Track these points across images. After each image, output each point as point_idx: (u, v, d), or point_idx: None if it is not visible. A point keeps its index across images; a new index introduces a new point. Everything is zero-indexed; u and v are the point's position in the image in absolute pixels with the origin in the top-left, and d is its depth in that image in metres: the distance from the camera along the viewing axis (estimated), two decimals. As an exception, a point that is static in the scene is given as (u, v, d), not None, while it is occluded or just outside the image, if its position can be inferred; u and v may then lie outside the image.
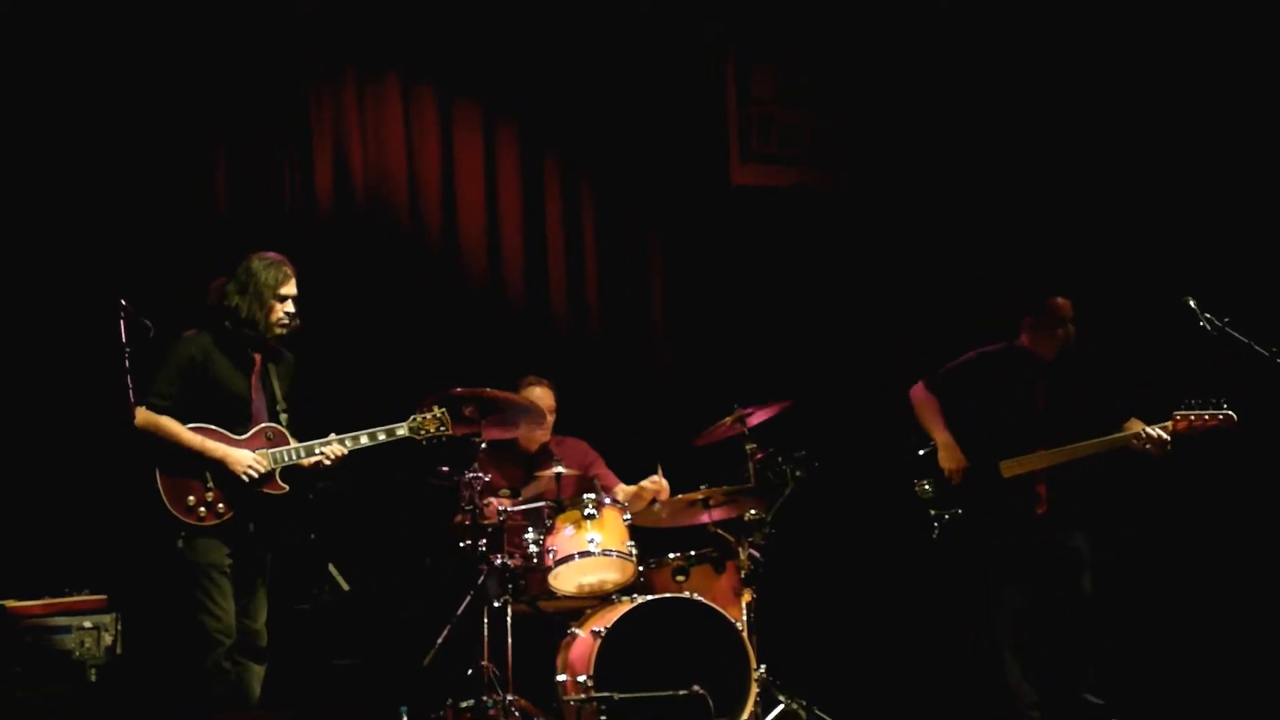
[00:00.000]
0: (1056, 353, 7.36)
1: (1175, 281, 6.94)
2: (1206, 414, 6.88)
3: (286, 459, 6.33)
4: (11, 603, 6.49)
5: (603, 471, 7.93)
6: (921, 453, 7.39)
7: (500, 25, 8.95)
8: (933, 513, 7.32)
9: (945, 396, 7.48)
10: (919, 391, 7.56)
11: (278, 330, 6.42)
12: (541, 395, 7.91)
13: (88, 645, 6.50)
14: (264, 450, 6.30)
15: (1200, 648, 8.33)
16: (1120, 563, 7.75)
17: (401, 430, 6.55)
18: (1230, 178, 8.82)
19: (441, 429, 6.62)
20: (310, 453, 6.37)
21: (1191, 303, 6.72)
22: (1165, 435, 6.94)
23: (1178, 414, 6.92)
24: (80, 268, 7.59)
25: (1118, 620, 7.44)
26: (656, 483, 7.67)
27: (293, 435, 6.41)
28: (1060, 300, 7.37)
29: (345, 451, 6.41)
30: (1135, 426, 7.03)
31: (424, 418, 6.59)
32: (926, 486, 7.35)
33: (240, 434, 6.30)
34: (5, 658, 6.36)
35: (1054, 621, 7.22)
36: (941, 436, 7.38)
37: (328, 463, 6.38)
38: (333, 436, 6.42)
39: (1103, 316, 7.77)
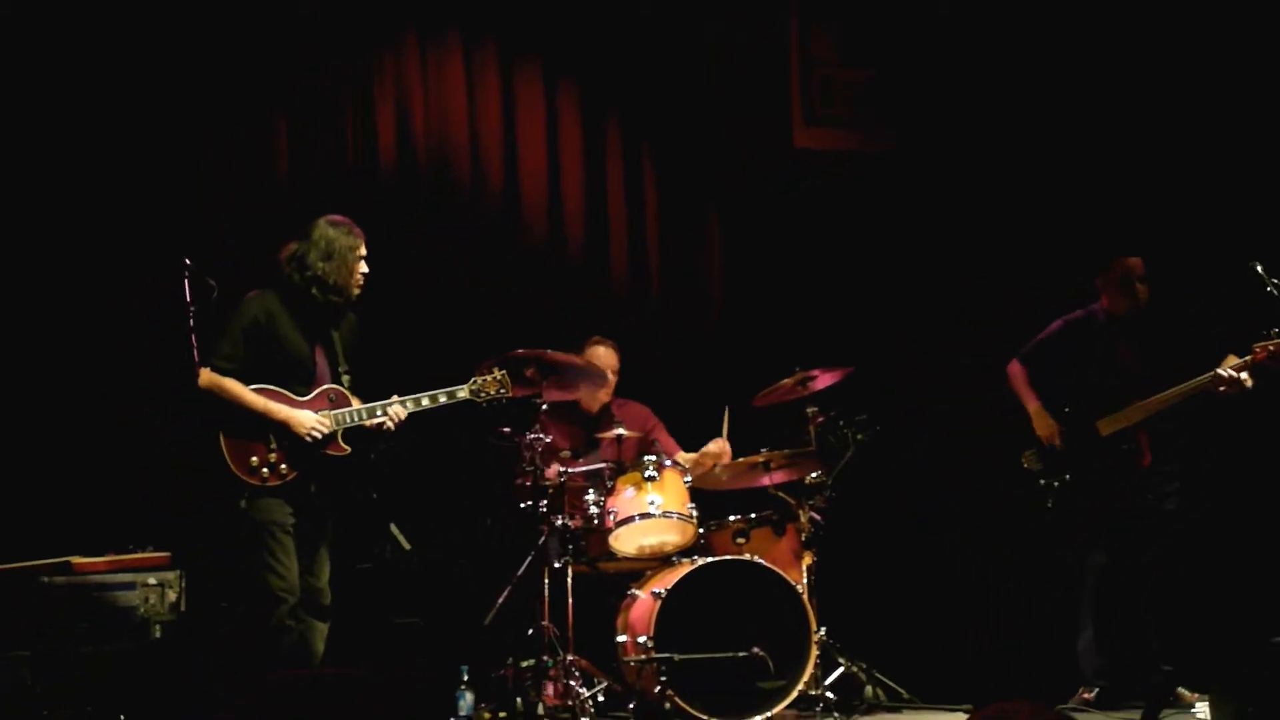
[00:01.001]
0: (1134, 311, 7.37)
1: (1247, 241, 6.88)
2: None
3: (349, 420, 6.34)
4: (77, 559, 6.56)
5: (664, 438, 7.92)
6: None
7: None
8: (1042, 483, 7.34)
9: (1037, 367, 7.55)
10: (1012, 366, 7.65)
11: (356, 291, 6.45)
12: (605, 355, 7.92)
13: (152, 602, 6.57)
14: (326, 412, 6.31)
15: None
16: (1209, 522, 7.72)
17: (462, 392, 6.56)
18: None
19: (502, 391, 6.63)
20: (372, 414, 6.38)
21: (1259, 267, 6.67)
22: (1241, 375, 6.85)
23: (1256, 345, 6.84)
24: (146, 230, 7.64)
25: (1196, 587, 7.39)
26: (720, 446, 7.65)
27: (355, 397, 6.43)
28: (1131, 260, 7.38)
29: (406, 414, 6.43)
30: (1227, 361, 6.97)
31: (485, 380, 6.59)
32: (1033, 457, 7.41)
33: (303, 395, 6.31)
34: (71, 614, 6.44)
35: (1136, 584, 7.21)
36: (1032, 405, 7.48)
37: (390, 425, 6.40)
38: (394, 398, 6.43)
39: (1182, 276, 7.73)
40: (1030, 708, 4.76)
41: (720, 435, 7.68)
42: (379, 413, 6.38)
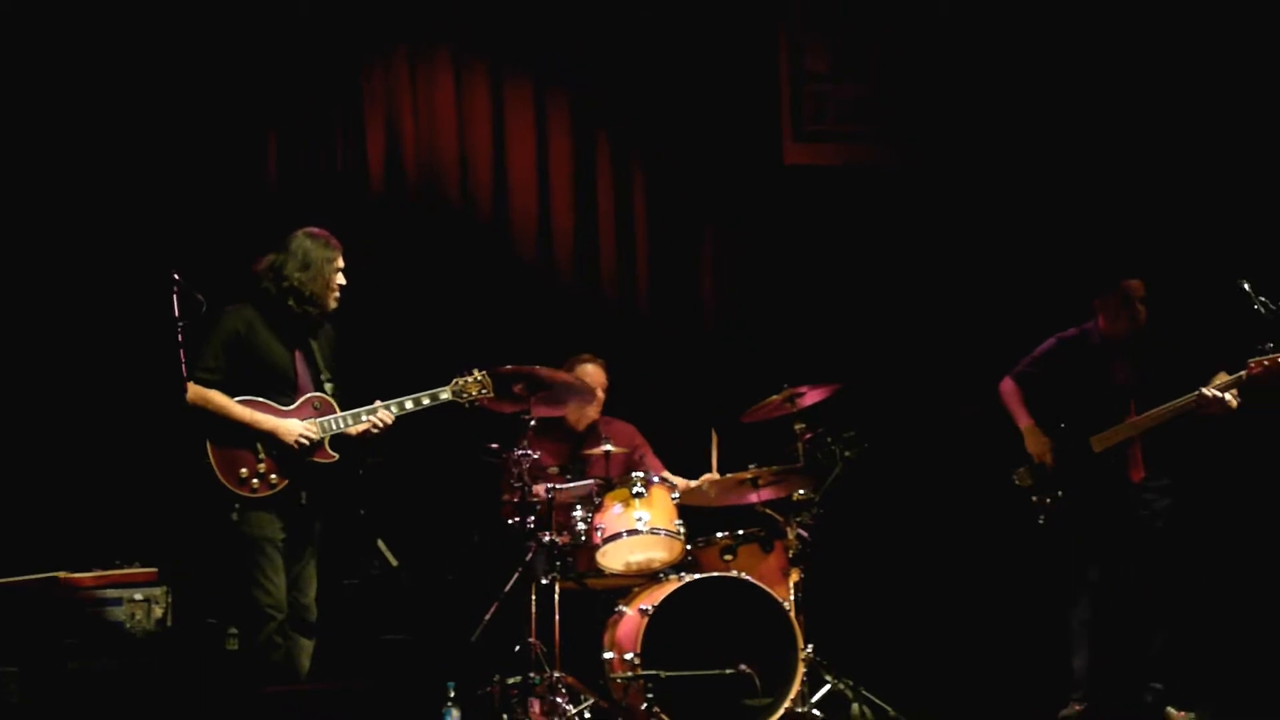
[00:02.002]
0: (1133, 331, 7.37)
1: (1238, 260, 6.89)
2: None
3: (335, 427, 6.36)
4: (64, 574, 6.55)
5: (650, 458, 7.91)
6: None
7: (552, 1, 8.94)
8: (1034, 500, 7.34)
9: (1030, 385, 7.54)
10: (1006, 384, 7.62)
11: (334, 304, 6.47)
12: (593, 373, 7.92)
13: (138, 617, 6.56)
14: (312, 419, 6.33)
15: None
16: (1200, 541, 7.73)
17: (445, 394, 6.58)
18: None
19: (483, 391, 6.65)
20: (358, 420, 6.40)
21: (1246, 286, 6.68)
22: (1225, 395, 6.86)
23: (1251, 360, 6.84)
24: (134, 243, 7.66)
25: (1188, 606, 7.39)
26: (709, 481, 7.65)
27: (339, 404, 6.43)
28: (1132, 281, 7.39)
29: (392, 418, 6.44)
30: (1216, 379, 6.96)
31: (466, 381, 6.61)
32: (1025, 474, 7.40)
33: (287, 404, 6.33)
34: (58, 629, 6.43)
35: (1129, 602, 7.22)
36: (1024, 423, 7.46)
37: (376, 430, 6.41)
38: (378, 403, 6.44)
39: (1171, 295, 7.73)
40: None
41: (710, 465, 7.69)
42: (364, 418, 6.39)
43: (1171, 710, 7.08)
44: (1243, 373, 6.85)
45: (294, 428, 6.27)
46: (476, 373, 6.65)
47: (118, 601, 6.56)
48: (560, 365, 7.65)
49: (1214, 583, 8.12)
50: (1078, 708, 7.26)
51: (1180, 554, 7.20)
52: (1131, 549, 7.20)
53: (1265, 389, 6.85)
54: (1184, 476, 7.28)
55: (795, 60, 9.48)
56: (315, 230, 6.49)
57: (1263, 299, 6.67)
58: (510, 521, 7.30)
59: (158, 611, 6.60)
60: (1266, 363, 6.78)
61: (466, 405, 6.65)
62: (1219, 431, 7.17)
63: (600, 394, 7.94)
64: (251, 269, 6.46)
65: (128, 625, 6.54)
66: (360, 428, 6.40)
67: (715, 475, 7.66)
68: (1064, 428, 7.32)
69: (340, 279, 6.46)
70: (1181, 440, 7.18)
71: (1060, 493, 7.28)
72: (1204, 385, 6.92)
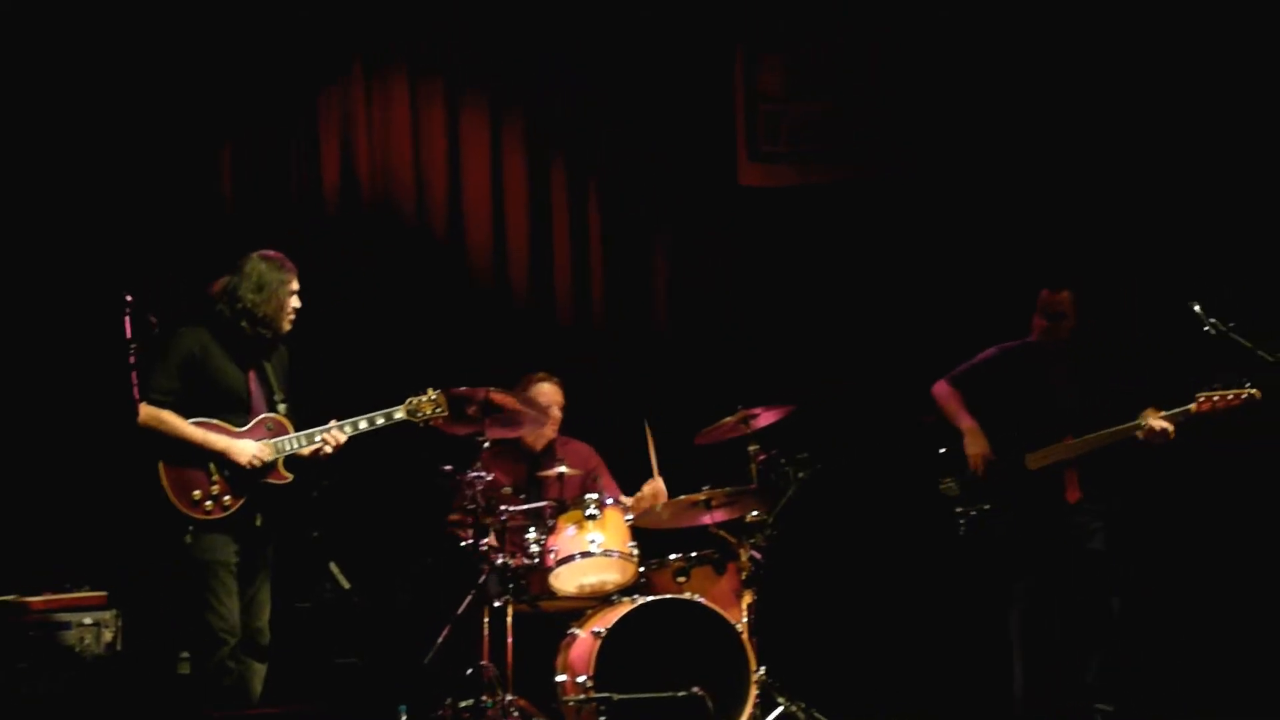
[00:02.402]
0: (1064, 345, 7.38)
1: (1188, 279, 6.93)
2: (1230, 393, 6.86)
3: (288, 448, 6.35)
4: (14, 597, 6.51)
5: (606, 480, 7.90)
6: (942, 451, 7.39)
7: (508, 22, 8.96)
8: (959, 510, 7.33)
9: (966, 392, 7.51)
10: (941, 387, 7.58)
11: (288, 326, 6.47)
12: (549, 391, 7.92)
13: (88, 641, 6.53)
14: (266, 440, 6.33)
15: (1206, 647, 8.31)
16: (1135, 561, 7.76)
17: (399, 413, 6.58)
18: (1248, 177, 8.78)
19: (438, 410, 6.66)
20: (311, 440, 6.39)
21: (1196, 307, 6.72)
22: (1165, 425, 6.92)
23: (1200, 395, 6.91)
24: (86, 264, 7.62)
25: (1128, 622, 7.41)
26: (654, 487, 7.67)
27: (293, 425, 6.42)
28: (1058, 294, 7.38)
29: (345, 438, 6.44)
30: (1151, 414, 7.01)
31: (420, 400, 6.62)
32: (952, 484, 7.37)
33: (240, 426, 6.32)
34: (8, 654, 6.38)
35: (1064, 621, 7.25)
36: (966, 423, 7.40)
37: (329, 449, 6.40)
38: (333, 423, 6.44)
39: (1116, 310, 7.77)
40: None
41: (650, 467, 7.69)
42: (317, 438, 6.38)
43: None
44: (1191, 405, 6.92)
45: (247, 448, 6.26)
46: (431, 392, 6.66)
47: (68, 625, 6.52)
48: (516, 384, 7.65)
49: (1157, 603, 8.15)
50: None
51: (1116, 575, 7.23)
52: (1064, 568, 7.21)
53: (1209, 422, 6.93)
54: (1119, 500, 7.30)
55: (750, 81, 9.49)
56: (270, 253, 6.49)
57: (1213, 320, 6.70)
58: (463, 544, 7.31)
59: (108, 635, 6.57)
60: (1216, 398, 6.86)
61: (421, 425, 6.65)
62: (1155, 458, 7.22)
63: (556, 413, 7.95)
64: (206, 291, 6.45)
65: (77, 649, 6.50)
66: (312, 448, 6.40)
67: (658, 479, 7.68)
68: (999, 441, 7.33)
69: (295, 301, 6.47)
70: (1118, 464, 7.21)
71: (988, 506, 7.28)
72: (1142, 415, 6.98)
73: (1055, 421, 7.24)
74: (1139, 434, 6.98)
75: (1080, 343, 7.42)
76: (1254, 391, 6.84)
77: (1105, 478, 7.23)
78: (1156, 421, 6.94)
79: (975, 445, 7.33)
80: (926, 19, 9.35)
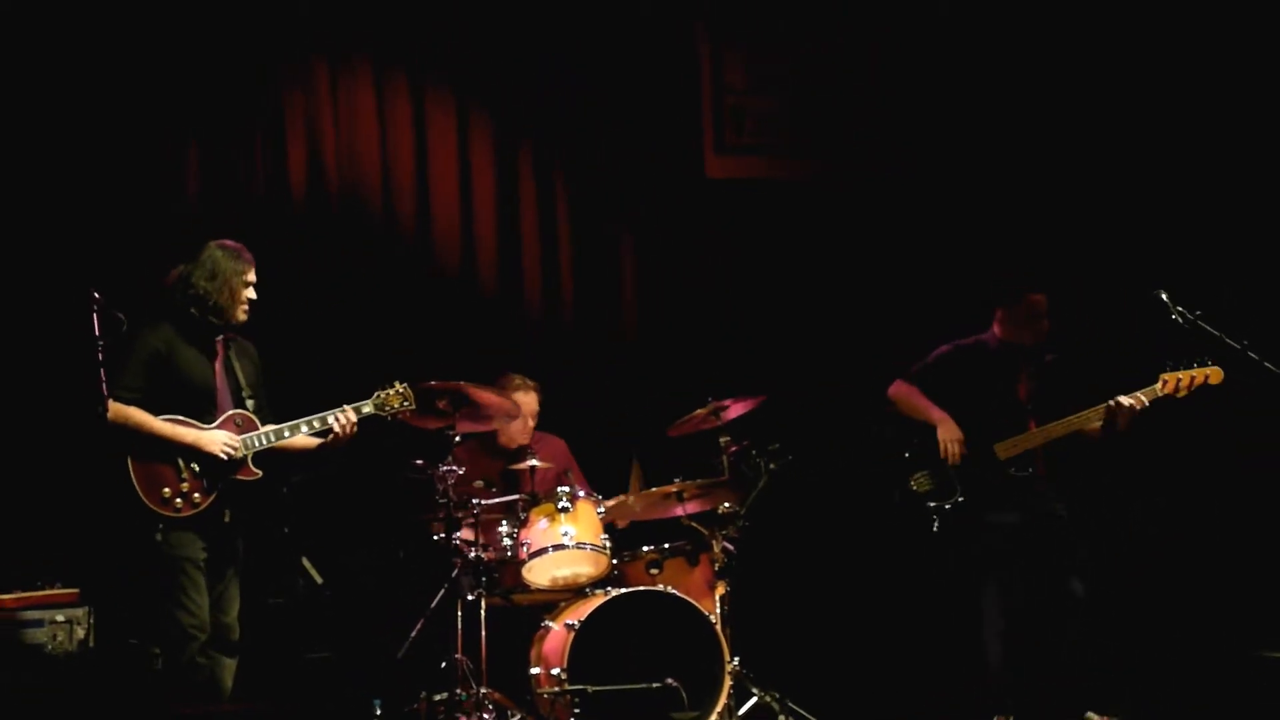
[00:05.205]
0: (1035, 344, 7.42)
1: (1153, 271, 6.95)
2: (1194, 372, 6.89)
3: (258, 444, 6.33)
4: (-18, 596, 6.48)
5: (577, 477, 7.88)
6: (908, 455, 7.40)
7: (474, 12, 8.93)
8: (931, 505, 7.32)
9: (926, 389, 7.50)
10: (899, 387, 7.57)
11: (242, 316, 6.42)
12: (524, 399, 7.90)
13: (60, 639, 6.50)
14: (234, 436, 6.29)
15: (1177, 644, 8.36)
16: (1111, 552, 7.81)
17: (367, 407, 6.57)
18: (1217, 172, 8.84)
19: (405, 404, 6.65)
20: (280, 436, 6.37)
21: (1164, 296, 6.73)
22: (1133, 401, 6.96)
23: (1165, 375, 6.94)
24: (51, 260, 7.56)
25: (1101, 615, 7.45)
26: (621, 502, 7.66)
27: (261, 421, 6.40)
28: (1037, 296, 7.43)
29: (349, 422, 6.44)
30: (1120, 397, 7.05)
31: (387, 394, 6.61)
32: (923, 479, 7.37)
33: (209, 422, 6.28)
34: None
35: (1038, 612, 7.26)
36: (937, 414, 7.37)
37: (340, 431, 6.40)
38: (300, 420, 6.42)
39: (1081, 305, 7.80)
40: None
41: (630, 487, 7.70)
42: (287, 433, 6.36)
43: (1093, 715, 7.13)
44: (1157, 385, 6.96)
45: (217, 437, 6.23)
46: (398, 385, 6.65)
47: (39, 623, 6.50)
48: (485, 379, 7.60)
49: (1133, 591, 8.21)
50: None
51: (1089, 558, 7.27)
52: (1039, 551, 7.24)
53: (1176, 402, 6.98)
54: (1088, 485, 7.35)
55: (716, 73, 9.50)
56: (228, 242, 6.45)
57: (1180, 309, 6.70)
58: (436, 537, 7.29)
59: (79, 633, 6.55)
60: (1180, 377, 6.90)
61: (388, 418, 6.64)
62: (1117, 447, 7.26)
63: (531, 421, 7.97)
64: (162, 282, 6.41)
65: (49, 647, 6.47)
66: (283, 443, 6.37)
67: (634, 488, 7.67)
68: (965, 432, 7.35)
69: (250, 293, 6.41)
70: (1085, 451, 7.25)
71: (961, 499, 7.30)
72: (1110, 397, 7.01)
73: (1018, 414, 7.28)
74: (1109, 409, 7.00)
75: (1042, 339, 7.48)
76: (1216, 369, 6.88)
77: (1073, 463, 7.28)
78: (1125, 398, 6.97)
79: (951, 432, 7.31)
80: (893, 17, 9.39)
